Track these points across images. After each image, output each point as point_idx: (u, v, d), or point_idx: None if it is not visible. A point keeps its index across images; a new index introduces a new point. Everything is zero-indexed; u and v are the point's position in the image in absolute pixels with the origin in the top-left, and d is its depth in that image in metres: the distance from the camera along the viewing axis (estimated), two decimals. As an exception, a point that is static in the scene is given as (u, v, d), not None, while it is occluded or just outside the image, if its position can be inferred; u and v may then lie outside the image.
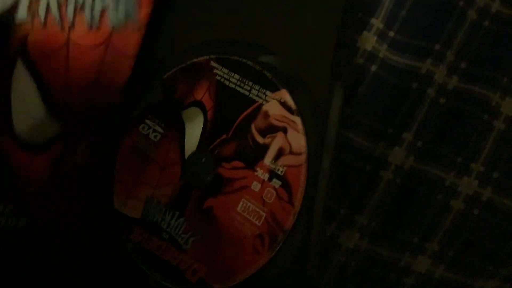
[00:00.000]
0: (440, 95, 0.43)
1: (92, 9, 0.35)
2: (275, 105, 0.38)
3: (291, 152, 0.37)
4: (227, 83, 0.38)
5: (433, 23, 0.44)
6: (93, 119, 0.36)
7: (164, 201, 0.38)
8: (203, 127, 0.38)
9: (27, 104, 0.35)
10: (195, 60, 0.39)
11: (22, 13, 0.35)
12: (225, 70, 0.38)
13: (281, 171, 0.37)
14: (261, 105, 0.38)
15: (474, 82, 0.44)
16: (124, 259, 0.38)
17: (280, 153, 0.37)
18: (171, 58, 0.39)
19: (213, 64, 0.39)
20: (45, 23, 0.35)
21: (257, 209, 0.37)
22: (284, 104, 0.38)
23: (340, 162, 0.42)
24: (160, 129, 0.38)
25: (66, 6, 0.35)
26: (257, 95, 0.38)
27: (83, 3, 0.35)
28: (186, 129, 0.38)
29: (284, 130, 0.37)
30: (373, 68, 0.43)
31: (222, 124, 0.38)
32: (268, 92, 0.38)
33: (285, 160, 0.37)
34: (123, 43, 0.36)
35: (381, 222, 0.42)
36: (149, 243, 0.37)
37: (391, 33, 0.44)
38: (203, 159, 0.38)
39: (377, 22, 0.44)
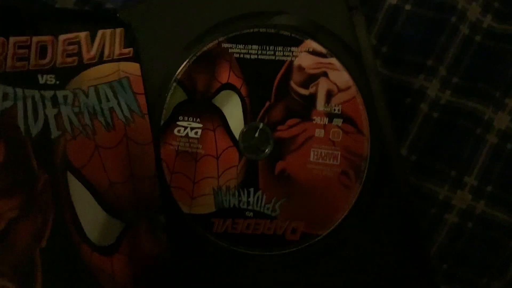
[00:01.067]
0: (433, 109, 0.44)
1: (102, 113, 0.40)
2: (305, 56, 0.38)
3: (340, 90, 0.38)
4: (247, 56, 0.39)
5: (426, 38, 0.44)
6: (143, 208, 0.39)
7: (233, 185, 0.38)
8: (242, 105, 0.39)
9: (88, 211, 0.38)
10: (204, 49, 0.39)
11: (54, 131, 0.39)
12: (241, 46, 0.39)
13: (338, 109, 0.38)
14: (291, 62, 0.38)
15: (467, 97, 0.44)
16: (216, 253, 0.39)
17: (330, 95, 0.38)
18: (175, 55, 0.40)
19: (225, 45, 0.39)
20: (73, 135, 0.39)
21: (330, 151, 0.38)
22: (314, 52, 0.38)
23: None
24: (197, 125, 0.39)
25: (82, 116, 0.39)
26: (283, 55, 0.38)
27: (94, 110, 0.40)
28: (225, 113, 0.39)
29: (325, 74, 0.38)
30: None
31: (260, 94, 0.38)
32: (293, 48, 0.38)
33: (337, 99, 0.38)
34: (138, 134, 0.39)
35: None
36: (236, 227, 0.38)
37: (384, 49, 0.44)
38: (256, 132, 0.38)
39: (370, 38, 0.44)
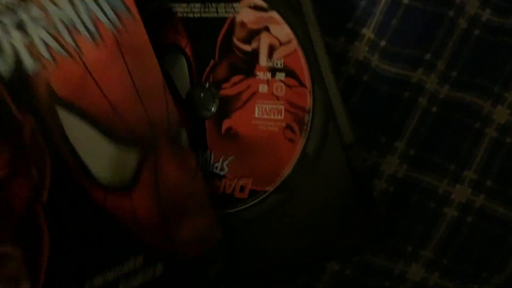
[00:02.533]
0: (432, 103, 0.44)
1: (83, 24, 0.34)
2: (247, 11, 0.38)
3: (281, 44, 0.38)
4: (191, 15, 0.38)
5: (424, 32, 0.44)
6: (160, 128, 0.35)
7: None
8: (188, 65, 0.38)
9: (94, 147, 0.34)
10: (150, 9, 0.38)
11: (29, 63, 0.33)
12: (184, 5, 0.38)
13: (280, 64, 0.37)
14: (233, 18, 0.38)
15: (466, 91, 0.44)
16: None
17: (271, 49, 0.38)
18: None
19: (168, 5, 0.38)
20: (54, 60, 0.33)
21: (274, 106, 0.37)
22: (255, 7, 0.38)
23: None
24: None
25: (61, 35, 0.33)
26: (225, 12, 0.38)
27: (73, 24, 0.34)
28: (172, 74, 0.38)
29: (266, 29, 0.38)
30: (365, 78, 0.44)
31: (205, 53, 0.38)
32: (234, 4, 0.38)
33: (279, 53, 0.38)
34: (131, 39, 0.35)
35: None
36: None
37: (382, 43, 0.44)
38: (201, 91, 0.38)
39: (368, 32, 0.44)
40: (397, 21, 0.44)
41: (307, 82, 0.37)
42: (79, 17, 0.33)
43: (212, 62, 0.38)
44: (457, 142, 0.44)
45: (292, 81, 0.37)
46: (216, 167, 0.38)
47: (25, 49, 0.32)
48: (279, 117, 0.37)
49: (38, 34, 0.33)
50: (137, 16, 0.35)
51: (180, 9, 0.38)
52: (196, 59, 0.38)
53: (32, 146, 0.32)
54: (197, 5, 0.38)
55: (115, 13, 0.34)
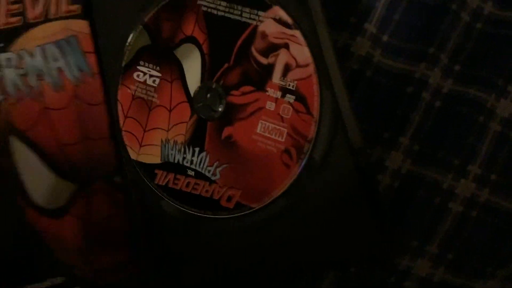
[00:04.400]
0: (435, 98, 0.43)
1: (50, 73, 0.39)
2: (271, 23, 0.37)
3: (298, 66, 0.37)
4: (215, 12, 0.38)
5: (427, 26, 0.44)
6: (98, 170, 0.39)
7: (180, 140, 0.38)
8: (201, 61, 0.38)
9: (35, 174, 0.38)
10: None
11: None
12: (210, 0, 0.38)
13: (293, 86, 0.37)
14: (256, 26, 0.37)
15: (469, 85, 0.44)
16: (156, 204, 0.39)
17: (287, 69, 0.37)
18: None
19: None
20: (18, 98, 0.38)
21: (277, 127, 0.37)
22: (280, 21, 0.37)
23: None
24: (157, 73, 0.39)
25: (28, 77, 0.38)
26: (249, 18, 0.38)
27: (41, 70, 0.39)
28: (184, 67, 0.38)
29: (286, 46, 0.37)
30: (368, 73, 0.43)
31: (220, 54, 0.38)
32: (260, 12, 0.37)
33: (293, 74, 0.37)
34: (88, 94, 0.39)
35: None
36: (177, 182, 0.38)
37: (385, 37, 0.44)
38: (210, 92, 0.38)
39: (370, 27, 0.44)
40: (399, 15, 0.44)
41: (315, 111, 0.37)
42: (47, 67, 0.39)
43: (226, 65, 0.38)
44: (461, 136, 0.43)
45: (300, 107, 0.37)
46: (209, 171, 0.38)
47: None
48: (280, 139, 0.37)
49: (9, 74, 0.39)
50: (97, 77, 0.39)
51: (206, 2, 0.38)
52: (211, 58, 0.38)
53: None
54: (223, 3, 0.38)
55: (79, 71, 0.39)
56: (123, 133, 0.39)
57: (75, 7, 0.39)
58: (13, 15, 0.39)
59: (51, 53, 0.39)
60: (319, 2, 0.37)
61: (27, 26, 0.39)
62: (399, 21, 0.44)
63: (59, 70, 0.39)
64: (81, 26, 0.39)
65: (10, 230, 0.37)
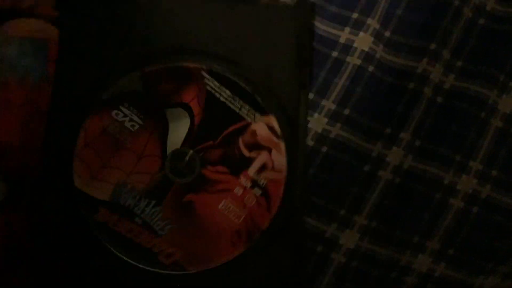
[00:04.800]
0: (437, 94, 0.43)
1: (16, 68, 0.39)
2: (263, 127, 0.40)
3: (273, 169, 0.40)
4: (217, 95, 0.40)
5: (428, 22, 0.44)
6: (26, 181, 0.39)
7: (139, 188, 0.39)
8: (189, 129, 0.40)
9: None
10: (185, 64, 0.40)
11: None
12: (217, 84, 0.40)
13: (263, 183, 0.40)
14: (249, 123, 0.40)
15: (471, 80, 0.44)
16: (88, 236, 0.39)
17: (263, 168, 0.40)
18: (153, 53, 0.40)
19: (204, 74, 0.40)
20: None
21: (238, 210, 0.39)
22: (271, 129, 0.40)
23: (338, 163, 0.43)
24: (138, 120, 0.39)
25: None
26: (246, 114, 0.40)
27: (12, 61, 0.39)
28: (170, 127, 0.39)
29: (269, 150, 0.40)
30: (370, 68, 0.43)
31: (209, 131, 0.40)
32: (257, 114, 0.40)
33: (267, 174, 0.40)
34: (39, 99, 0.39)
35: (380, 222, 0.43)
36: (119, 225, 0.39)
37: (387, 33, 0.44)
38: (188, 158, 0.39)
39: (373, 22, 0.44)
40: (401, 10, 0.44)
41: (273, 211, 0.40)
42: (18, 62, 0.39)
43: (211, 142, 0.40)
44: (463, 132, 0.43)
45: (263, 202, 0.40)
46: (158, 225, 0.39)
47: None
48: (236, 220, 0.39)
49: None
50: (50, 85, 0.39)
51: (212, 84, 0.40)
52: (199, 130, 0.40)
53: None
54: (228, 92, 0.40)
55: (41, 75, 0.39)
56: (75, 158, 0.39)
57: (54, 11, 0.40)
58: None
59: (25, 48, 0.39)
60: (305, 131, 0.41)
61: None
62: (402, 17, 0.44)
63: (26, 67, 0.39)
64: (54, 33, 0.40)
65: None
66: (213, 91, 0.40)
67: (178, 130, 0.39)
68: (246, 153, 0.40)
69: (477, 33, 0.44)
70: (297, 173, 0.40)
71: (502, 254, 0.43)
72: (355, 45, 0.44)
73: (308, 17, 0.41)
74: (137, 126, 0.39)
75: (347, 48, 0.44)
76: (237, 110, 0.40)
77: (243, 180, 0.40)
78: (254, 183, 0.40)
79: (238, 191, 0.39)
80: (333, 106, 0.43)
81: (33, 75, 0.39)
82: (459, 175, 0.43)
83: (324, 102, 0.43)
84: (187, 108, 0.40)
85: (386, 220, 0.43)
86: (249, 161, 0.40)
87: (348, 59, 0.43)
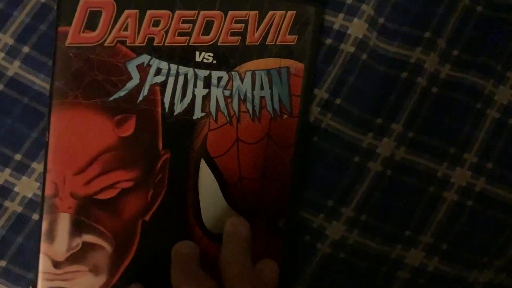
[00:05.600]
0: (432, 84, 0.42)
1: (252, 100, 0.39)
2: None
3: None
4: None
5: (423, 9, 0.42)
6: (266, 209, 0.40)
7: None
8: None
9: (211, 199, 0.40)
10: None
11: (197, 111, 0.39)
12: None
13: None
14: None
15: (467, 70, 0.42)
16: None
17: None
18: None
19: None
20: (216, 119, 0.39)
21: None
22: None
23: (328, 153, 0.42)
24: None
25: (232, 100, 0.39)
26: None
27: (245, 96, 0.39)
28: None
29: None
30: (364, 56, 0.42)
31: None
32: None
33: None
34: (281, 134, 0.40)
35: (370, 215, 0.42)
36: None
37: (381, 20, 0.42)
38: None
39: (368, 9, 0.42)
40: (396, -2, 0.43)
41: None
42: (252, 94, 0.40)
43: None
44: (458, 123, 0.42)
45: None
46: None
47: (201, 99, 0.39)
48: None
49: (216, 92, 0.39)
50: (295, 116, 0.40)
51: None
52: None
53: (158, 175, 0.39)
54: None
55: (280, 104, 0.40)
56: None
57: (292, 37, 0.40)
58: (233, 34, 0.39)
59: (259, 80, 0.39)
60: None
61: (244, 48, 0.39)
62: (396, 4, 0.42)
63: (262, 99, 0.39)
64: (297, 66, 0.40)
65: (174, 239, 0.38)
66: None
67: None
68: None
69: (475, 21, 0.43)
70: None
71: (497, 248, 0.42)
72: (349, 31, 0.42)
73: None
74: None
75: (341, 35, 0.42)
76: None
77: None
78: None
79: None
80: (325, 96, 0.42)
81: (271, 106, 0.40)
82: (453, 168, 0.42)
83: (316, 92, 0.42)
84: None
85: (376, 213, 0.42)
86: None
87: (342, 46, 0.42)
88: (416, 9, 0.42)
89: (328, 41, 0.42)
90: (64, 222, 0.38)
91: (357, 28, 0.42)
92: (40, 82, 0.41)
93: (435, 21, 0.42)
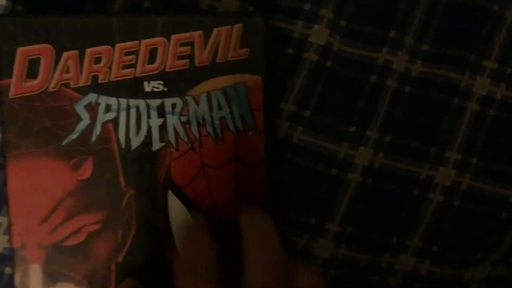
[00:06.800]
0: (404, 84, 0.40)
1: (212, 122, 0.38)
2: None
3: None
4: None
5: (385, 6, 0.40)
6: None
7: None
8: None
9: (184, 230, 0.38)
10: None
11: (156, 143, 0.38)
12: None
13: None
14: None
15: (440, 64, 0.40)
16: None
17: None
18: None
19: None
20: (177, 148, 0.38)
21: None
22: None
23: (303, 169, 0.40)
24: None
25: (190, 126, 0.38)
26: None
27: (203, 119, 0.38)
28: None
29: None
30: (328, 63, 0.40)
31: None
32: None
33: None
34: (249, 151, 0.38)
35: (356, 227, 0.40)
36: None
37: (343, 22, 0.40)
38: None
39: (327, 13, 0.40)
40: (356, -3, 0.40)
41: None
42: (211, 116, 0.38)
43: None
44: (436, 122, 0.40)
45: None
46: None
47: (157, 129, 0.38)
48: None
49: (172, 120, 0.38)
50: (261, 132, 0.38)
51: None
52: None
53: (126, 213, 0.38)
54: None
55: (242, 122, 0.38)
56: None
57: (244, 51, 0.38)
58: (180, 57, 0.37)
59: (216, 101, 0.38)
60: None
61: (194, 70, 0.37)
62: (356, 3, 0.40)
63: (222, 119, 0.38)
64: (253, 80, 0.38)
65: (150, 277, 0.38)
66: None
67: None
68: None
69: (442, 12, 0.40)
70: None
71: (490, 243, 0.41)
72: (310, 39, 0.40)
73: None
74: None
75: (302, 43, 0.40)
76: None
77: None
78: None
79: None
80: (293, 108, 0.40)
81: (233, 125, 0.38)
82: (436, 168, 0.40)
83: (283, 105, 0.40)
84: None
85: (361, 224, 0.40)
86: None
87: (305, 55, 0.40)
88: (378, 7, 0.40)
89: (290, 50, 0.40)
90: (35, 273, 0.37)
91: (318, 34, 0.40)
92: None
93: (399, 18, 0.40)
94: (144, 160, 0.38)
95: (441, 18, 0.40)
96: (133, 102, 0.37)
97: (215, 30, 0.37)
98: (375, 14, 0.40)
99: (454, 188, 0.40)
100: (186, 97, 0.38)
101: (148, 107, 0.37)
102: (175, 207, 0.38)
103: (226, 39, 0.37)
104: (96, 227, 0.38)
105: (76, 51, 0.37)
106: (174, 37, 0.37)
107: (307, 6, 0.40)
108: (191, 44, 0.37)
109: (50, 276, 0.38)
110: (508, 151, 0.41)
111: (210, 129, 0.38)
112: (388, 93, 0.40)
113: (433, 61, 0.40)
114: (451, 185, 0.40)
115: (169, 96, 0.37)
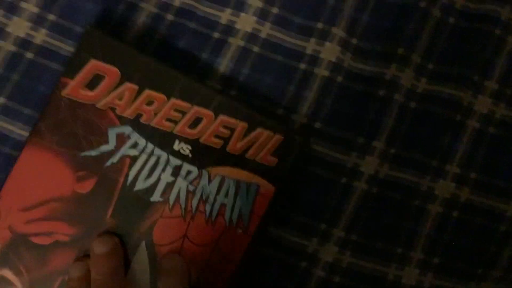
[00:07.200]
0: (410, 99, 0.42)
1: (212, 203, 0.39)
2: None
3: None
4: None
5: (395, 26, 0.43)
6: None
7: None
8: None
9: (137, 285, 0.40)
10: None
11: (156, 196, 0.39)
12: None
13: None
14: None
15: (444, 82, 0.43)
16: None
17: None
18: None
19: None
20: (171, 209, 0.39)
21: None
22: None
23: (315, 177, 0.42)
24: None
25: (193, 196, 0.39)
26: None
27: (207, 197, 0.39)
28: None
29: None
30: (339, 79, 0.42)
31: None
32: None
33: None
34: (230, 247, 0.40)
35: (361, 234, 0.42)
36: None
37: (354, 41, 0.43)
38: None
39: (338, 31, 0.43)
40: (367, 16, 0.43)
41: None
42: (214, 198, 0.39)
43: None
44: (438, 136, 0.42)
45: None
46: None
47: (164, 185, 0.39)
48: None
49: (181, 184, 0.39)
50: (250, 235, 0.39)
51: None
52: None
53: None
54: None
55: (238, 217, 0.39)
56: None
57: (273, 159, 0.39)
58: (217, 136, 0.39)
59: (226, 187, 0.39)
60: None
61: (223, 153, 0.39)
62: (367, 23, 0.43)
63: (222, 205, 0.39)
64: (267, 188, 0.39)
65: None
66: None
67: None
68: None
69: (448, 33, 0.43)
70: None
71: (490, 257, 0.42)
72: (321, 55, 0.43)
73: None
74: None
75: (314, 59, 0.43)
76: None
77: None
78: None
79: None
80: (304, 120, 0.42)
81: (228, 216, 0.39)
82: (437, 180, 0.42)
83: (294, 117, 0.43)
84: None
85: (365, 232, 0.42)
86: None
87: (316, 70, 0.43)
88: (388, 26, 0.43)
89: (302, 65, 0.43)
90: None
91: (329, 52, 0.43)
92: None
93: (407, 37, 0.43)
94: (137, 204, 0.39)
95: (447, 39, 0.43)
96: (157, 151, 0.39)
97: (258, 129, 0.39)
98: (385, 33, 0.43)
99: (453, 200, 0.42)
100: (203, 171, 0.39)
101: (167, 162, 0.39)
102: (140, 260, 0.39)
103: (263, 142, 0.39)
104: (66, 238, 0.39)
105: (137, 87, 0.39)
106: (221, 116, 0.39)
107: (320, 25, 0.43)
108: (232, 130, 0.39)
109: (1, 258, 0.39)
110: (505, 167, 0.42)
111: (208, 208, 0.39)
112: (395, 107, 0.42)
113: (438, 79, 0.43)
114: (450, 197, 0.42)
115: (190, 163, 0.39)
